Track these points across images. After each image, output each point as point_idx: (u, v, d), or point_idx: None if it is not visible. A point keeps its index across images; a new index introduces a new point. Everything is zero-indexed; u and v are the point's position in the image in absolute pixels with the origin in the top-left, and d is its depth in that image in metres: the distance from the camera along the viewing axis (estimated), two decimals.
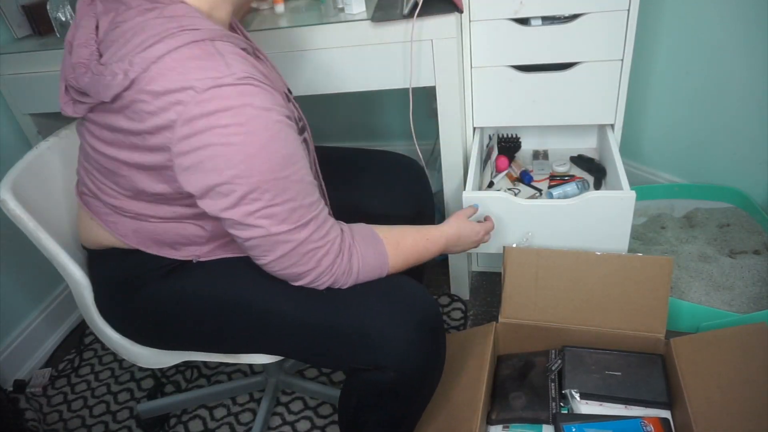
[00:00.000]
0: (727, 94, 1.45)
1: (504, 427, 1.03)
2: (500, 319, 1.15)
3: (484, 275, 1.68)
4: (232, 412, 1.38)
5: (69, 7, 1.41)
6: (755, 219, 1.46)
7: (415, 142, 1.32)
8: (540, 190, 1.39)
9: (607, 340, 1.10)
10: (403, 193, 1.15)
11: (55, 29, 1.44)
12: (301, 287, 0.83)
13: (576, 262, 1.11)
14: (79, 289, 0.97)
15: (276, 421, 1.33)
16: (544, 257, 1.12)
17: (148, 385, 1.48)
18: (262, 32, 1.23)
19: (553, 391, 1.05)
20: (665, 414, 0.99)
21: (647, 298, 1.07)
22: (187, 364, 1.51)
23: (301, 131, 0.85)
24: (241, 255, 0.88)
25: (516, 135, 1.51)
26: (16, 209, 0.92)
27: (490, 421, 1.05)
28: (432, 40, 1.20)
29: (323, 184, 0.99)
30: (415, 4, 1.13)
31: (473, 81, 1.33)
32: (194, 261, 0.89)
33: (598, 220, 1.17)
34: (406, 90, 1.27)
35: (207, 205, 0.74)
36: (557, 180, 1.41)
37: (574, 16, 1.21)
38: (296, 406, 1.36)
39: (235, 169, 0.70)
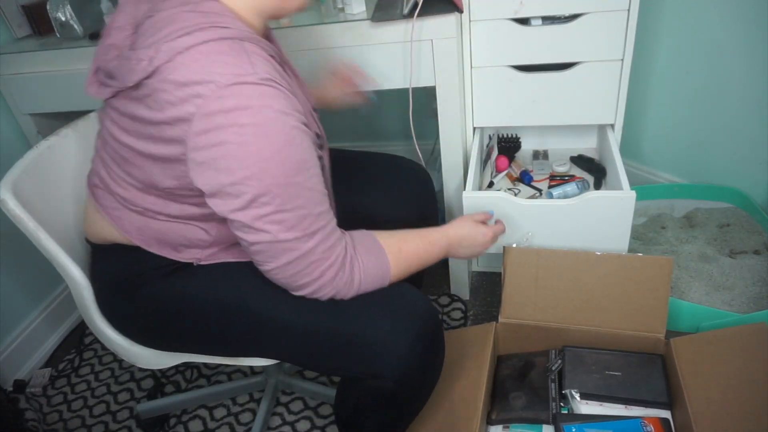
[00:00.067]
0: (727, 94, 1.45)
1: (504, 427, 1.03)
2: (500, 319, 1.15)
3: (484, 275, 1.68)
4: (232, 412, 1.38)
5: (69, 7, 1.41)
6: (755, 219, 1.46)
7: (415, 142, 1.32)
8: (540, 190, 1.39)
9: (607, 340, 1.10)
10: (408, 197, 1.15)
11: (55, 29, 1.44)
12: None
13: (576, 262, 1.11)
14: (79, 290, 0.97)
15: (276, 421, 1.33)
16: (544, 257, 1.12)
17: (148, 385, 1.48)
18: None
19: (553, 391, 1.05)
20: (665, 414, 0.99)
21: (647, 298, 1.07)
22: (187, 365, 1.51)
23: (319, 147, 0.85)
24: (242, 259, 0.88)
25: (516, 135, 1.51)
26: (15, 209, 0.92)
27: (490, 421, 1.05)
28: (432, 40, 1.20)
29: (332, 194, 0.98)
30: (415, 4, 1.13)
31: (473, 81, 1.33)
32: (195, 264, 0.89)
33: (598, 220, 1.17)
34: (406, 90, 1.27)
35: (216, 204, 0.73)
36: (557, 180, 1.41)
37: (574, 16, 1.21)
38: (296, 406, 1.36)
39: (248, 170, 0.70)
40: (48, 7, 1.42)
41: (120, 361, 1.56)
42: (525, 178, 1.41)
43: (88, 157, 1.11)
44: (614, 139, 1.34)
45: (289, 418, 1.33)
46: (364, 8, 1.25)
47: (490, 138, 1.53)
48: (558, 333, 1.12)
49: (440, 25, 1.18)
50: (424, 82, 1.26)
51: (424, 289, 0.91)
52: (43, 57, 1.37)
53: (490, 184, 1.43)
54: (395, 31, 1.19)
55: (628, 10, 1.18)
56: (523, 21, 1.24)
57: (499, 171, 1.48)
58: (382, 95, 1.24)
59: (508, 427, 1.03)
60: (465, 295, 1.60)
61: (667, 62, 1.54)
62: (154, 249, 0.87)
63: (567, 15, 1.22)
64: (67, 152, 1.07)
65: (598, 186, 1.37)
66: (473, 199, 1.22)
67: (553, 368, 1.08)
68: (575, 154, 1.49)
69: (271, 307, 0.85)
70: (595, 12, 1.19)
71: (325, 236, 0.78)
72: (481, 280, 1.66)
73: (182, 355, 1.00)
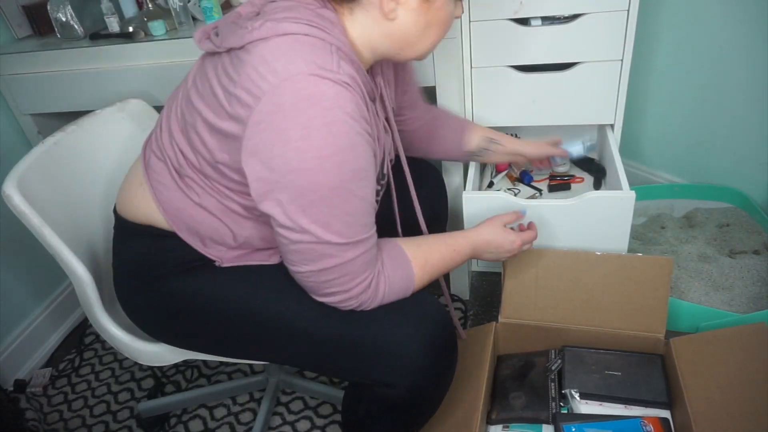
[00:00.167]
0: (727, 94, 1.45)
1: (504, 427, 1.03)
2: (500, 319, 1.15)
3: (484, 275, 1.68)
4: (233, 411, 1.38)
5: (69, 7, 1.41)
6: (755, 219, 1.46)
7: None
8: (540, 190, 1.39)
9: (607, 340, 1.10)
10: (423, 198, 1.15)
11: (56, 29, 1.44)
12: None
13: (576, 262, 1.11)
14: (83, 286, 0.97)
15: (276, 420, 1.33)
16: (544, 257, 1.13)
17: (149, 385, 1.48)
18: None
19: (553, 391, 1.05)
20: (665, 414, 0.99)
21: (647, 298, 1.07)
22: (187, 364, 1.52)
23: (377, 181, 0.85)
24: (263, 263, 0.88)
25: (516, 135, 1.51)
26: (21, 205, 0.92)
27: (490, 421, 1.05)
28: None
29: (395, 200, 0.98)
30: None
31: (473, 81, 1.33)
32: (217, 264, 0.88)
33: (597, 220, 1.17)
34: None
35: (260, 192, 0.72)
36: (557, 180, 1.41)
37: (574, 16, 1.21)
38: (296, 405, 1.36)
39: (304, 164, 0.69)
40: (48, 8, 1.42)
41: (120, 361, 1.56)
42: (525, 178, 1.42)
43: (95, 153, 1.12)
44: (614, 139, 1.34)
45: (290, 417, 1.33)
46: None
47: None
48: (558, 333, 1.13)
49: None
50: (424, 82, 1.26)
51: (424, 289, 0.91)
52: (44, 57, 1.37)
53: (490, 184, 1.43)
54: None
55: (628, 10, 1.18)
56: (523, 21, 1.24)
57: (499, 171, 1.48)
58: None
59: (508, 426, 1.03)
60: (465, 295, 1.60)
61: (666, 62, 1.54)
62: (184, 235, 0.86)
63: (567, 15, 1.22)
64: (73, 148, 1.08)
65: (598, 186, 1.37)
66: (473, 199, 1.22)
67: (553, 368, 1.09)
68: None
69: (286, 312, 0.85)
70: (595, 12, 1.19)
71: (366, 249, 0.77)
72: (481, 280, 1.66)
73: (185, 353, 1.00)
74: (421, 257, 0.87)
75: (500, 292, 1.16)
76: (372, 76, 0.87)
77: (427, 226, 1.02)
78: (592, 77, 1.27)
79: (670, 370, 1.03)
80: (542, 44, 1.25)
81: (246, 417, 1.36)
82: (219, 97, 0.73)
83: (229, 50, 0.75)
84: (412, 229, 0.98)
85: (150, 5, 1.45)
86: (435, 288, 1.61)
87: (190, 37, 1.30)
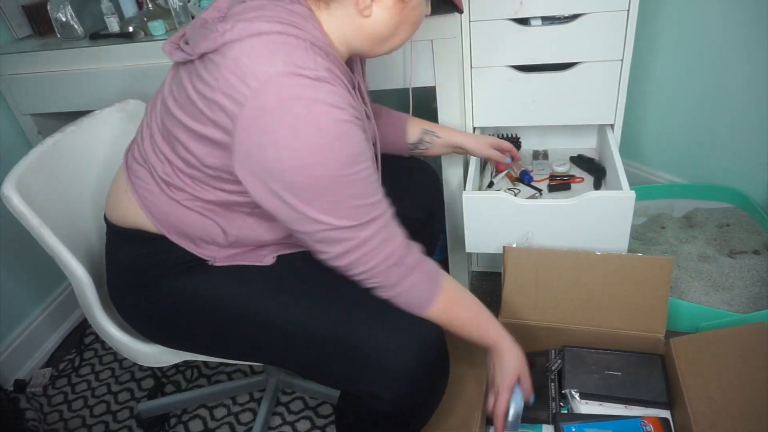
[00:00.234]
0: (727, 94, 1.45)
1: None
2: (500, 319, 1.15)
3: (484, 275, 1.68)
4: (233, 411, 1.38)
5: (69, 7, 1.41)
6: (755, 219, 1.46)
7: None
8: (540, 190, 1.39)
9: (607, 340, 1.10)
10: (417, 196, 1.15)
11: (56, 29, 1.44)
12: (313, 301, 0.83)
13: (576, 262, 1.11)
14: (82, 287, 0.97)
15: (276, 420, 1.33)
16: (544, 257, 1.13)
17: (149, 385, 1.48)
18: None
19: (553, 391, 1.05)
20: (665, 414, 0.99)
21: (647, 298, 1.07)
22: (187, 364, 1.52)
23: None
24: (258, 264, 0.88)
25: (516, 135, 1.51)
26: (20, 205, 0.92)
27: (490, 421, 1.05)
28: (432, 40, 1.20)
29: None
30: None
31: (473, 81, 1.33)
32: (210, 263, 0.88)
33: (598, 220, 1.17)
34: (406, 90, 1.27)
35: (259, 193, 0.73)
36: (557, 180, 1.41)
37: (574, 16, 1.21)
38: (296, 405, 1.36)
39: (298, 161, 0.70)
40: (48, 8, 1.42)
41: (120, 361, 1.56)
42: (525, 178, 1.41)
43: (94, 154, 1.12)
44: (614, 139, 1.34)
45: (290, 417, 1.33)
46: None
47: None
48: (558, 333, 1.13)
49: (440, 25, 1.18)
50: (424, 82, 1.26)
51: None
52: (44, 57, 1.37)
53: (490, 184, 1.43)
54: None
55: (628, 10, 1.18)
56: (523, 21, 1.24)
57: (499, 171, 1.48)
58: (383, 95, 1.24)
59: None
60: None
61: (666, 62, 1.54)
62: (174, 237, 0.86)
63: (567, 15, 1.22)
64: (73, 149, 1.07)
65: (598, 186, 1.37)
66: (473, 199, 1.22)
67: (553, 368, 1.09)
68: (575, 154, 1.49)
69: (277, 313, 0.85)
70: (595, 12, 1.19)
71: (381, 225, 0.78)
72: (481, 280, 1.66)
73: (184, 354, 1.00)
74: (451, 299, 0.86)
75: (500, 292, 1.16)
76: (349, 66, 0.88)
77: (422, 224, 1.01)
78: (592, 77, 1.27)
79: (670, 370, 1.03)
80: (542, 44, 1.25)
81: (246, 417, 1.36)
82: (197, 103, 0.73)
83: (202, 55, 0.74)
84: (411, 233, 0.97)
85: (150, 5, 1.45)
86: None
87: None
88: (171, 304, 0.89)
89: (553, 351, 1.13)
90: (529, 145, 1.56)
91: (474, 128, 1.42)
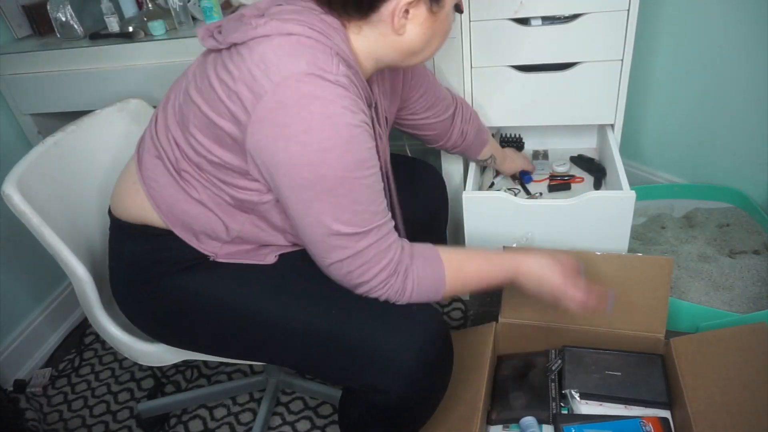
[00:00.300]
0: (727, 94, 1.45)
1: (504, 427, 1.03)
2: (500, 319, 1.15)
3: None
4: (232, 411, 1.38)
5: (69, 7, 1.41)
6: (755, 219, 1.46)
7: (415, 142, 1.32)
8: (532, 195, 1.39)
9: (607, 340, 1.10)
10: (421, 198, 1.15)
11: (56, 29, 1.44)
12: (315, 300, 0.83)
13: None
14: (82, 286, 0.97)
15: (276, 421, 1.33)
16: None
17: (149, 385, 1.48)
18: None
19: (553, 391, 1.05)
20: (665, 414, 0.99)
21: (647, 298, 1.07)
22: (187, 364, 1.51)
23: None
24: (260, 263, 0.89)
25: (519, 135, 1.51)
26: (21, 204, 0.92)
27: (490, 421, 1.05)
28: None
29: (395, 198, 0.98)
30: None
31: (473, 81, 1.33)
32: (210, 258, 0.88)
33: (598, 220, 1.17)
34: None
35: (269, 186, 0.75)
36: (557, 180, 1.41)
37: (574, 16, 1.21)
38: (296, 406, 1.36)
39: (306, 157, 0.71)
40: (48, 8, 1.42)
41: (120, 361, 1.56)
42: (525, 178, 1.41)
43: (94, 153, 1.12)
44: (614, 139, 1.34)
45: (290, 417, 1.33)
46: None
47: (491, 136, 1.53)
48: (558, 333, 1.13)
49: None
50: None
51: None
52: (44, 57, 1.37)
53: (491, 185, 1.43)
54: None
55: (628, 10, 1.18)
56: (523, 21, 1.24)
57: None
58: None
59: (508, 426, 1.03)
60: (465, 295, 1.60)
61: (667, 62, 1.54)
62: (178, 230, 0.87)
63: (567, 15, 1.22)
64: (73, 148, 1.08)
65: (598, 186, 1.37)
66: (473, 199, 1.22)
67: (553, 368, 1.09)
68: (575, 154, 1.49)
69: (279, 312, 0.85)
70: (595, 12, 1.19)
71: (380, 237, 0.78)
72: None
73: (184, 353, 1.00)
74: (455, 262, 0.87)
75: (500, 292, 1.16)
76: (369, 84, 0.88)
77: (426, 226, 1.01)
78: (592, 77, 1.27)
79: (670, 370, 1.03)
80: (542, 44, 1.25)
81: (246, 417, 1.36)
82: (217, 91, 0.74)
83: (231, 46, 0.76)
84: (414, 234, 0.97)
85: (150, 5, 1.45)
86: None
87: (190, 36, 1.30)
88: (173, 301, 0.89)
89: (553, 351, 1.13)
90: (529, 145, 1.56)
91: None
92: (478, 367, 1.05)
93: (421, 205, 1.14)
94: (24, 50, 1.39)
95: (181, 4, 1.36)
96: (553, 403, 1.03)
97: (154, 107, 1.25)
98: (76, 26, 1.42)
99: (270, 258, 0.89)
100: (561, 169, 1.44)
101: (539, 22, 1.24)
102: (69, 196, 1.05)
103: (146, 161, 0.88)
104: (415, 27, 0.79)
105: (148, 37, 1.36)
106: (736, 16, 1.36)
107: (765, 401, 0.88)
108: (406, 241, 0.85)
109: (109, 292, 0.99)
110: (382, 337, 0.82)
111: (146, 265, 0.89)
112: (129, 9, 1.50)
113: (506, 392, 1.09)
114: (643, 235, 1.53)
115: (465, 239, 1.27)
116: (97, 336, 1.64)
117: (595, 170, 1.41)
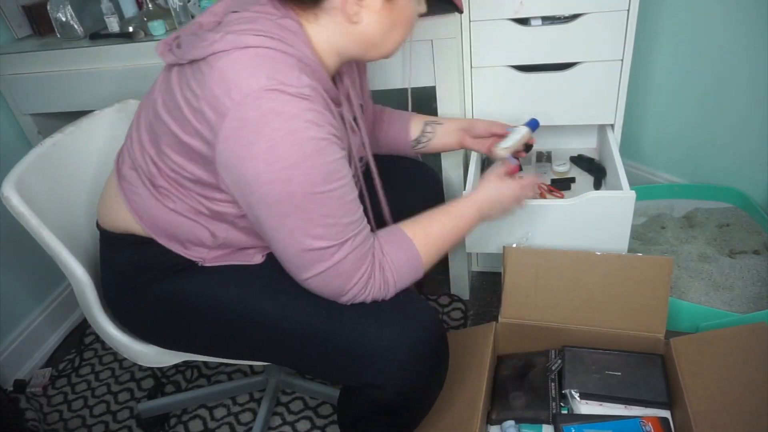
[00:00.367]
0: (727, 94, 1.45)
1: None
2: (500, 319, 1.15)
3: (484, 275, 1.68)
4: (232, 411, 1.38)
5: (69, 7, 1.41)
6: (755, 219, 1.46)
7: None
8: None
9: (607, 340, 1.10)
10: (418, 199, 1.14)
11: (56, 29, 1.44)
12: (313, 297, 0.83)
13: (576, 262, 1.11)
14: (82, 287, 0.97)
15: (276, 421, 1.33)
16: (544, 257, 1.12)
17: (149, 385, 1.48)
18: None
19: (553, 391, 1.05)
20: (665, 414, 0.99)
21: (647, 298, 1.07)
22: (187, 364, 1.52)
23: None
24: (248, 263, 0.89)
25: None
26: (19, 206, 0.92)
27: (490, 421, 1.05)
28: (432, 40, 1.20)
29: (380, 192, 0.98)
30: None
31: (473, 81, 1.33)
32: (199, 264, 0.89)
33: (598, 220, 1.17)
34: (405, 90, 1.27)
35: (241, 202, 0.75)
36: (557, 180, 1.41)
37: (574, 16, 1.21)
38: (296, 406, 1.36)
39: (274, 174, 0.70)
40: (48, 8, 1.42)
41: (120, 361, 1.56)
42: (531, 123, 1.39)
43: (93, 154, 1.12)
44: (614, 139, 1.34)
45: (290, 417, 1.33)
46: None
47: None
48: (558, 333, 1.13)
49: (440, 25, 1.18)
50: (424, 82, 1.26)
51: (414, 291, 0.90)
52: (44, 57, 1.37)
53: None
54: None
55: (628, 10, 1.18)
56: (523, 21, 1.24)
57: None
58: (382, 95, 1.24)
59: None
60: (465, 295, 1.60)
61: (667, 62, 1.54)
62: (163, 241, 0.87)
63: (567, 15, 1.22)
64: (72, 150, 1.07)
65: (598, 186, 1.37)
66: None
67: (553, 368, 1.09)
68: (575, 154, 1.49)
69: (273, 312, 0.85)
70: (595, 12, 1.19)
71: (355, 247, 0.78)
72: (481, 280, 1.66)
73: (183, 354, 1.00)
74: (421, 232, 0.86)
75: (500, 292, 1.16)
76: (339, 77, 0.87)
77: None
78: (592, 77, 1.27)
79: (670, 370, 1.03)
80: (542, 44, 1.25)
81: (246, 417, 1.36)
82: (184, 110, 0.74)
83: (191, 62, 0.75)
84: None
85: (150, 5, 1.45)
86: (435, 288, 1.62)
87: None
88: (163, 307, 0.90)
89: (553, 351, 1.13)
90: None
91: None
92: (477, 366, 1.05)
93: (418, 206, 1.14)
94: (24, 50, 1.39)
95: (181, 4, 1.36)
96: (553, 403, 1.03)
97: None
98: (76, 26, 1.42)
99: (257, 258, 0.90)
100: (561, 169, 1.44)
101: (539, 22, 1.24)
102: (68, 197, 1.05)
103: (125, 174, 0.88)
104: (371, 15, 0.78)
105: (148, 37, 1.36)
106: (736, 16, 1.36)
107: (765, 401, 0.88)
108: (375, 235, 0.84)
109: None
110: (375, 333, 0.82)
111: (133, 273, 0.90)
112: (129, 9, 1.50)
113: (506, 392, 1.09)
114: (643, 235, 1.53)
115: (465, 239, 1.27)
116: (97, 336, 1.63)
117: (595, 170, 1.41)
